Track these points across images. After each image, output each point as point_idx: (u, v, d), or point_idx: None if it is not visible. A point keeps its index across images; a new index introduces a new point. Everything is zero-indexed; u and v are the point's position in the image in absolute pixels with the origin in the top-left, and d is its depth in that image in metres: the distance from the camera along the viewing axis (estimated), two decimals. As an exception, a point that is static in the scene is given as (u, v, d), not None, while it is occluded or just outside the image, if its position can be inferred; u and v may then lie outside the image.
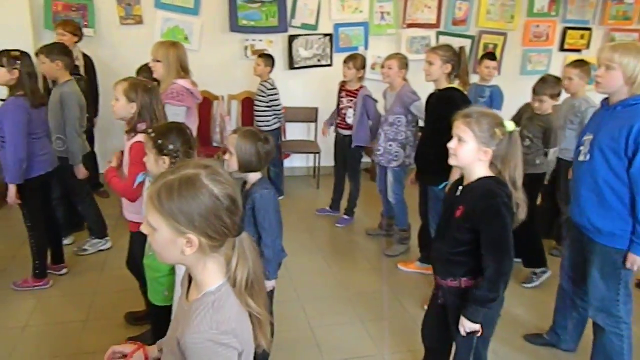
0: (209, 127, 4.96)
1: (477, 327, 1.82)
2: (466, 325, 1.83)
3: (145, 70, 3.23)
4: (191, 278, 1.16)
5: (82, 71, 4.17)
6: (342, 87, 4.22)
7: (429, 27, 5.52)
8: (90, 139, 4.40)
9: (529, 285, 3.38)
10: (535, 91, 3.27)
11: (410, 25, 5.48)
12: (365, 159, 4.55)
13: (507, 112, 3.59)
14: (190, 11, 4.85)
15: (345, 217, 4.40)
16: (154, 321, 2.45)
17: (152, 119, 2.29)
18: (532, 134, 3.26)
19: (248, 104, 5.14)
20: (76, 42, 4.12)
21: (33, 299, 3.04)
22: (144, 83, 2.32)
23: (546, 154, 3.34)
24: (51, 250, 3.27)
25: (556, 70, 5.45)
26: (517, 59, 5.91)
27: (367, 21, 5.38)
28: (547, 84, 3.23)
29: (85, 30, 4.56)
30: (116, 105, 2.33)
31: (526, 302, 3.20)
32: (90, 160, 4.53)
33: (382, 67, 3.69)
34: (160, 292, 2.15)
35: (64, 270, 3.34)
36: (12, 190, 2.85)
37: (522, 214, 1.82)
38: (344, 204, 4.47)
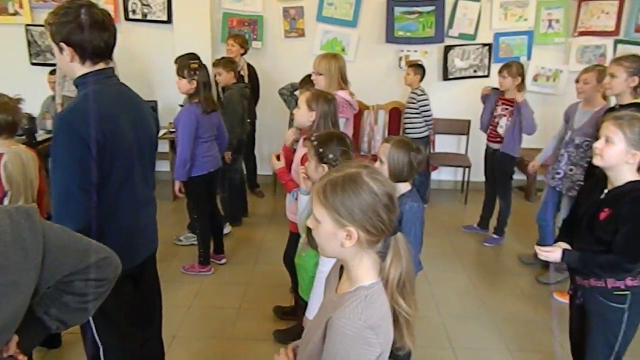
0: (357, 136, 5.08)
1: (556, 257, 1.91)
2: (551, 255, 1.92)
3: (306, 81, 3.42)
4: (340, 273, 1.24)
5: (246, 80, 4.58)
6: (499, 98, 4.01)
7: (605, 34, 4.97)
8: (251, 142, 4.81)
9: None
10: None
11: (583, 33, 5.00)
12: (518, 176, 4.25)
13: None
14: (349, 23, 5.03)
15: (495, 236, 4.16)
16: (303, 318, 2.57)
17: (328, 128, 2.39)
18: None
19: (395, 114, 5.15)
20: (242, 54, 4.55)
21: (197, 282, 3.40)
22: (325, 94, 2.45)
23: None
24: (213, 241, 3.63)
25: None
26: None
27: (532, 29, 5.04)
28: None
29: (254, 43, 5.02)
30: (297, 113, 2.49)
31: None
32: (250, 161, 4.97)
33: (577, 81, 3.32)
34: (310, 290, 2.25)
35: (223, 260, 3.68)
36: (177, 185, 3.32)
37: None
38: (493, 222, 4.24)
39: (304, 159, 2.37)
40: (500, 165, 3.98)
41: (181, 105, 3.36)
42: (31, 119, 4.35)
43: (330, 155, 1.97)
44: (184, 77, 3.16)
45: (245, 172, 4.80)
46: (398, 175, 2.06)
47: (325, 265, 1.73)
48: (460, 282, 3.53)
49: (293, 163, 2.52)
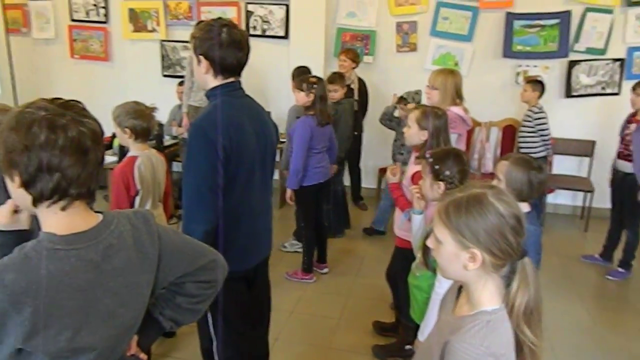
0: (467, 153, 4.90)
1: None
2: None
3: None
4: (458, 294, 1.20)
5: (355, 94, 4.65)
6: (631, 119, 3.65)
7: None
8: (356, 155, 4.86)
9: None
10: None
11: None
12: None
13: None
14: (464, 38, 4.90)
15: (620, 269, 3.77)
16: (404, 337, 2.53)
17: (440, 145, 2.35)
18: None
19: (509, 132, 4.90)
20: (353, 68, 4.62)
21: (300, 289, 3.48)
22: (434, 110, 2.42)
23: None
24: (317, 250, 3.70)
25: None
26: None
27: (673, 44, 4.54)
28: None
29: (365, 58, 5.09)
30: (408, 132, 2.46)
31: None
32: (354, 173, 5.01)
33: None
34: (423, 311, 2.20)
35: (326, 270, 3.74)
36: (289, 192, 3.45)
37: None
38: (617, 254, 3.85)
39: (415, 177, 2.34)
40: (631, 190, 3.61)
41: (297, 117, 3.49)
42: (160, 125, 4.79)
43: (447, 173, 1.92)
44: (302, 90, 3.29)
45: (349, 184, 4.85)
46: (517, 194, 1.95)
47: (443, 287, 1.68)
48: (577, 317, 3.24)
49: (404, 179, 2.50)
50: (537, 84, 4.27)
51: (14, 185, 0.98)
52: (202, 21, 1.88)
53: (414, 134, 2.44)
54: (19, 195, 0.99)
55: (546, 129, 4.24)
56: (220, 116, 1.69)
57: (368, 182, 5.13)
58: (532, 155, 4.21)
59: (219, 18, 1.78)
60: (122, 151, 3.35)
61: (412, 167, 2.46)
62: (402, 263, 2.42)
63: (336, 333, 3.00)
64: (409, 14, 4.99)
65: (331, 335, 2.97)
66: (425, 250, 1.17)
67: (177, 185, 3.88)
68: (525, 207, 2.00)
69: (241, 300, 1.91)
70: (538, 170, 1.96)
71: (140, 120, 2.36)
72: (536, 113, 4.23)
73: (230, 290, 1.37)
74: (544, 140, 4.28)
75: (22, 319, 0.92)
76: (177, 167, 4.90)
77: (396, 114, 3.91)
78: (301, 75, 3.76)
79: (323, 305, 3.31)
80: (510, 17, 4.73)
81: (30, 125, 0.92)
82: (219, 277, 1.29)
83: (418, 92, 3.92)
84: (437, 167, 1.94)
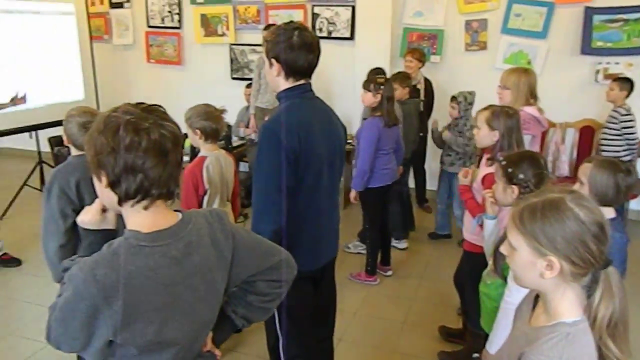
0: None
1: None
2: None
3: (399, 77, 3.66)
4: (534, 304, 1.15)
5: (422, 94, 4.57)
6: None
7: None
8: (421, 156, 4.77)
9: None
10: None
11: None
12: None
13: None
14: (538, 35, 4.68)
15: None
16: (472, 345, 2.46)
17: (512, 146, 2.26)
18: None
19: (587, 133, 4.63)
20: (419, 68, 4.54)
21: (363, 290, 3.47)
22: (505, 109, 2.34)
23: None
24: (381, 252, 3.67)
25: None
26: None
27: None
28: None
29: (432, 57, 4.99)
30: (478, 134, 2.39)
31: None
32: (419, 175, 4.93)
33: None
34: (492, 321, 2.13)
35: (389, 272, 3.70)
36: (352, 193, 3.42)
37: None
38: None
39: (486, 180, 2.27)
40: None
41: (364, 119, 3.48)
42: (228, 126, 4.94)
43: (521, 176, 1.84)
44: (369, 91, 3.28)
45: (414, 186, 4.78)
46: (601, 198, 1.83)
47: (513, 296, 1.62)
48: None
49: (474, 182, 2.43)
50: (625, 82, 3.98)
51: (101, 185, 1.04)
52: (273, 24, 1.92)
53: (484, 135, 2.36)
54: (106, 194, 1.05)
55: (633, 132, 3.96)
56: (290, 118, 1.72)
57: (433, 184, 5.02)
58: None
59: (291, 22, 1.81)
60: (194, 152, 3.49)
61: (483, 170, 2.38)
62: (471, 268, 2.35)
63: (400, 337, 2.96)
64: (478, 12, 4.84)
65: (395, 339, 2.94)
66: (497, 257, 1.12)
67: (244, 185, 3.99)
68: (610, 213, 1.88)
69: (307, 300, 1.93)
70: (626, 173, 1.84)
71: (210, 122, 2.43)
72: (623, 115, 3.96)
73: (297, 290, 1.38)
74: (629, 144, 4.00)
75: (113, 312, 0.97)
76: (244, 167, 5.03)
77: (444, 136, 3.90)
78: (397, 79, 3.77)
79: (387, 308, 3.28)
80: (590, 12, 4.46)
81: (117, 129, 0.98)
82: (289, 277, 1.31)
83: (471, 93, 3.81)
84: (510, 170, 1.86)
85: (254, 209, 1.77)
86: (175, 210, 1.12)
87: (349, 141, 4.25)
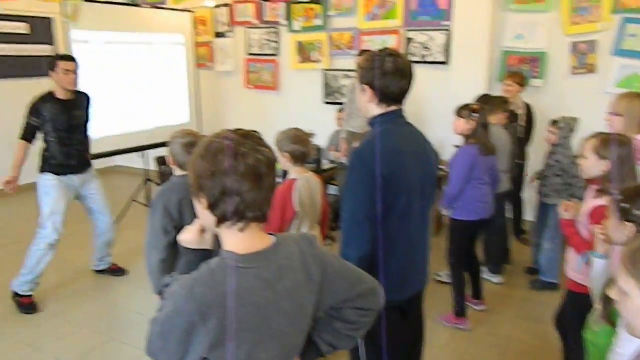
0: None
1: None
2: None
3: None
4: None
5: (521, 119, 4.33)
6: None
7: None
8: (518, 184, 4.50)
9: None
10: None
11: None
12: None
13: None
14: (657, 56, 4.28)
15: None
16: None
17: (624, 178, 2.07)
18: None
19: None
20: (519, 92, 4.32)
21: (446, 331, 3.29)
22: (616, 137, 2.15)
23: None
24: (472, 285, 3.47)
25: None
26: None
27: None
28: None
29: (533, 81, 4.74)
30: (585, 164, 2.21)
31: None
32: (516, 205, 4.64)
33: None
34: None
35: (482, 307, 3.48)
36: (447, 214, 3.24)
37: None
38: None
39: (594, 214, 2.08)
40: None
41: (457, 147, 3.36)
42: (319, 150, 5.02)
43: (638, 213, 1.66)
44: (462, 117, 3.17)
45: (511, 217, 4.51)
46: None
47: (624, 347, 1.44)
48: None
49: (578, 216, 2.23)
50: None
51: (201, 207, 1.09)
52: (367, 51, 1.94)
53: (592, 165, 2.17)
54: (205, 216, 1.09)
55: None
56: (381, 144, 1.70)
57: (531, 214, 4.70)
58: None
59: (385, 48, 1.81)
60: (286, 174, 3.57)
61: (590, 202, 2.19)
62: (575, 310, 2.15)
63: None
64: (587, 33, 4.53)
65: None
66: (607, 301, 1.01)
67: (333, 208, 4.01)
68: None
69: (394, 330, 1.86)
70: None
71: (299, 146, 2.48)
72: None
73: (384, 319, 1.34)
74: None
75: (208, 330, 1.00)
76: (333, 190, 5.07)
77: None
78: (487, 103, 3.61)
79: (479, 346, 3.08)
80: None
81: (217, 154, 1.03)
82: (377, 306, 1.28)
83: (575, 119, 3.54)
84: (626, 206, 1.68)
85: (343, 234, 1.76)
86: (269, 234, 1.14)
87: (441, 167, 4.15)
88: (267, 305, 1.06)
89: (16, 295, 3.46)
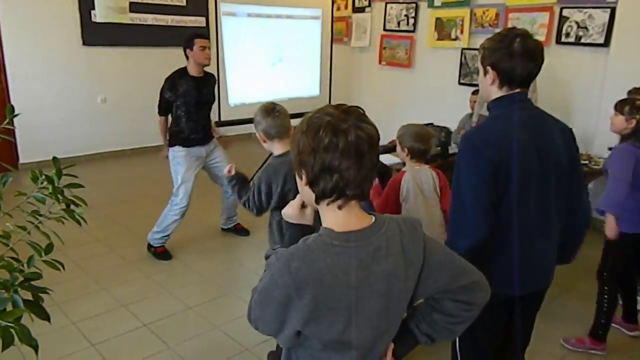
0: None
1: None
2: None
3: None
4: None
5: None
6: None
7: None
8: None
9: None
10: None
11: None
12: None
13: None
14: None
15: None
16: None
17: None
18: None
19: None
20: None
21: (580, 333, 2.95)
22: None
23: None
24: (623, 306, 3.04)
25: None
26: None
27: None
28: None
29: None
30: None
31: None
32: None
33: None
34: None
35: (636, 332, 3.00)
36: (611, 221, 2.68)
37: None
38: None
39: None
40: None
41: (610, 149, 2.90)
42: (448, 133, 4.81)
43: None
44: (621, 114, 2.73)
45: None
46: None
47: None
48: None
49: None
50: None
51: (302, 183, 1.09)
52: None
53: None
54: (306, 192, 1.10)
55: None
56: (492, 129, 1.63)
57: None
58: None
59: (513, 28, 1.70)
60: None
61: None
62: None
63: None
64: None
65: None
66: None
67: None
68: None
69: (495, 327, 1.75)
70: None
71: (419, 144, 2.51)
72: None
73: (486, 313, 1.24)
74: None
75: (303, 304, 1.01)
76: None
77: None
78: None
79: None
80: None
81: (317, 130, 1.02)
82: (480, 301, 1.20)
83: None
84: None
85: (450, 221, 1.69)
86: (370, 214, 1.11)
87: (584, 162, 3.72)
88: (361, 286, 1.04)
89: (150, 246, 3.92)
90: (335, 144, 1.00)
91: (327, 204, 1.07)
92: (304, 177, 1.07)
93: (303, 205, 1.21)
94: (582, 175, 1.82)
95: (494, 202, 1.60)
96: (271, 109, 2.27)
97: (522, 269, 1.70)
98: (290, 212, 1.23)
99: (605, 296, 2.81)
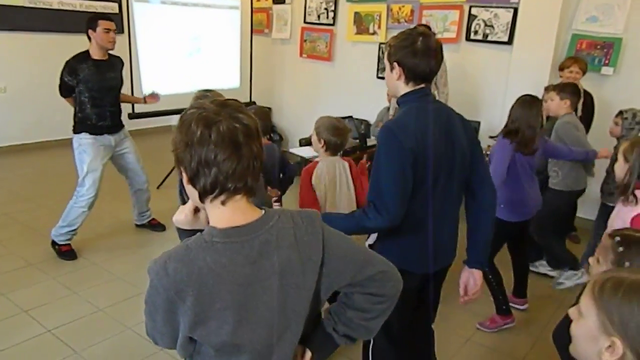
0: None
1: None
2: None
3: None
4: None
5: (579, 108, 4.02)
6: None
7: None
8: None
9: None
10: None
11: None
12: None
13: None
14: None
15: None
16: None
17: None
18: None
19: None
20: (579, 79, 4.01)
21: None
22: None
23: None
24: (516, 283, 3.29)
25: None
26: None
27: None
28: None
29: (603, 69, 4.38)
30: (616, 167, 2.16)
31: None
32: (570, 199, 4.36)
33: None
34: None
35: (525, 306, 3.29)
36: None
37: None
38: None
39: (634, 222, 1.92)
40: None
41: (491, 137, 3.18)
42: (367, 125, 4.92)
43: (627, 264, 1.39)
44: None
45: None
46: None
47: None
48: None
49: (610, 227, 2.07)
50: None
51: (185, 182, 1.05)
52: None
53: (619, 168, 2.12)
54: (190, 191, 1.05)
55: None
56: (408, 120, 1.71)
57: (585, 211, 4.41)
58: None
59: (416, 26, 1.83)
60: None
61: (623, 211, 2.04)
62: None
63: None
64: (671, 19, 4.12)
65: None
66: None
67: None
68: None
69: (406, 307, 1.82)
70: None
71: (336, 137, 2.54)
72: None
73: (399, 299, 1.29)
74: None
75: (186, 307, 0.97)
76: (376, 167, 4.97)
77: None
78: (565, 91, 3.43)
79: (505, 341, 2.96)
80: None
81: (190, 124, 0.98)
82: (390, 291, 1.19)
83: None
84: (620, 249, 1.43)
85: (366, 206, 1.74)
86: (262, 208, 1.08)
87: (487, 153, 3.93)
88: (249, 283, 1.01)
89: (54, 243, 3.65)
90: (207, 135, 0.96)
91: (211, 201, 1.03)
92: (184, 174, 1.03)
93: (196, 210, 1.14)
94: (483, 159, 1.93)
95: (410, 189, 1.68)
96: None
97: (435, 249, 1.82)
98: (182, 218, 1.15)
99: (490, 276, 3.04)
